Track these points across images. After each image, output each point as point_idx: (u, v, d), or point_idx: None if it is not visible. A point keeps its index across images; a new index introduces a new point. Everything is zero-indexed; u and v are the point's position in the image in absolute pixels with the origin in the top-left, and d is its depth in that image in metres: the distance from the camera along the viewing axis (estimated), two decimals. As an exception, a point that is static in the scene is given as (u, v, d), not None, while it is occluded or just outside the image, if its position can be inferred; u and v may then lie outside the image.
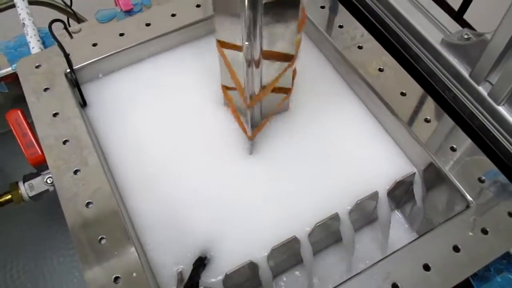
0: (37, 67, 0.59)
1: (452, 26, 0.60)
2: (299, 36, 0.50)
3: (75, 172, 0.51)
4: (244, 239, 0.51)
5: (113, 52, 0.61)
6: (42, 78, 0.58)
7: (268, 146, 0.57)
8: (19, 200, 0.54)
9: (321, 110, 0.60)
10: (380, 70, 0.59)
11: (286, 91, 0.55)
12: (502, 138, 0.54)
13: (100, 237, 0.47)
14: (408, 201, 0.60)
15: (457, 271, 0.46)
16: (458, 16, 0.71)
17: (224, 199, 0.53)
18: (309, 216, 0.51)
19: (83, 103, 0.60)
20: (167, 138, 0.58)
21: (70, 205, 0.49)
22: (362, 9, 0.69)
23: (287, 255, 0.53)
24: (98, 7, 0.68)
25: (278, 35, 0.47)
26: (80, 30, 0.66)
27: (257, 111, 0.54)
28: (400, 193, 0.59)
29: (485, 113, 0.55)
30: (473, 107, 0.56)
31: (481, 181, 0.51)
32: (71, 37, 0.63)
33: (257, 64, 0.47)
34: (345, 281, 0.45)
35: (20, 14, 0.66)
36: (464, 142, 0.54)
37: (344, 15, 0.65)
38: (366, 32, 0.63)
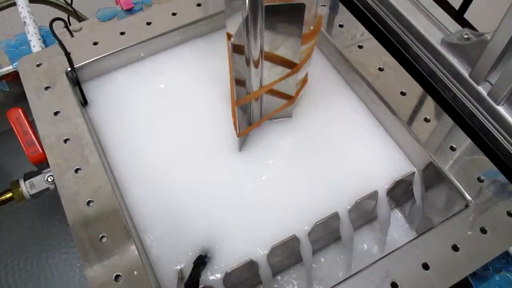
0: (38, 65, 0.59)
1: (452, 26, 0.60)
2: (307, 46, 0.49)
3: (76, 170, 0.51)
4: (244, 238, 0.51)
5: (114, 50, 0.61)
6: (43, 76, 0.58)
7: (268, 146, 0.58)
8: (20, 198, 0.54)
9: (321, 109, 0.60)
10: (380, 69, 0.59)
11: (288, 98, 0.55)
12: (502, 138, 0.54)
13: (101, 235, 0.47)
14: (407, 200, 0.60)
15: (456, 270, 0.46)
16: (458, 15, 0.71)
17: (225, 198, 0.54)
18: (309, 215, 0.52)
19: (84, 102, 0.60)
20: (168, 137, 0.58)
21: (71, 203, 0.49)
22: (362, 8, 0.69)
23: (287, 253, 0.54)
24: (98, 6, 0.68)
25: (279, 40, 0.47)
26: (81, 29, 0.66)
27: (257, 111, 0.55)
28: (400, 192, 0.59)
29: (484, 113, 0.55)
30: (472, 107, 0.56)
31: (480, 180, 0.51)
32: (72, 35, 0.63)
33: (256, 64, 0.47)
34: (345, 279, 0.45)
35: (21, 12, 0.66)
36: (464, 142, 0.54)
37: (344, 14, 0.66)
38: (366, 32, 0.63)
